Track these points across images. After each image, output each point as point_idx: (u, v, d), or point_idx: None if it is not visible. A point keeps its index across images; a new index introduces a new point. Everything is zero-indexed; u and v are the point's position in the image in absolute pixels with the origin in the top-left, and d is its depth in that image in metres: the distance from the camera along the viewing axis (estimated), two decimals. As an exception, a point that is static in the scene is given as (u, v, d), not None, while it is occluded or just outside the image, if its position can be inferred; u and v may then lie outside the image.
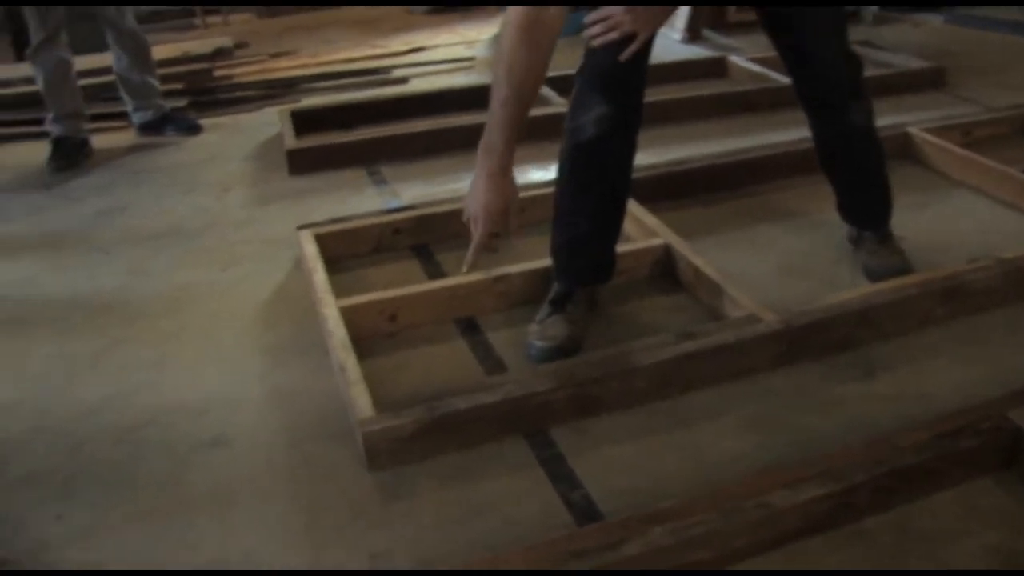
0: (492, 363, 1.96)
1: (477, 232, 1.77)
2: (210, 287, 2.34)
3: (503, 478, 1.64)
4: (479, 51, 4.55)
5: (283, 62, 4.38)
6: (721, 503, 1.46)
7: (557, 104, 3.30)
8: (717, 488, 1.51)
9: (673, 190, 2.68)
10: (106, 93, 3.76)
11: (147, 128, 3.58)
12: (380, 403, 1.70)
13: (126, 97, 3.56)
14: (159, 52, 3.76)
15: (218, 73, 4.19)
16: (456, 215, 2.37)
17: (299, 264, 2.41)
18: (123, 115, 3.67)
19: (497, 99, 1.70)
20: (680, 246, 2.24)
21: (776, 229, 2.51)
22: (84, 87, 3.45)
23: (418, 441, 1.65)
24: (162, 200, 2.92)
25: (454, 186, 2.84)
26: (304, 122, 3.35)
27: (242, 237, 2.62)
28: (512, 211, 1.77)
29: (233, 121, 3.71)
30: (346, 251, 2.41)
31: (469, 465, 1.66)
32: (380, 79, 4.12)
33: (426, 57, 4.49)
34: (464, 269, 1.85)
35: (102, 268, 2.48)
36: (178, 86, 3.95)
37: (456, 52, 4.54)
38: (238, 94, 3.98)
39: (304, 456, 1.71)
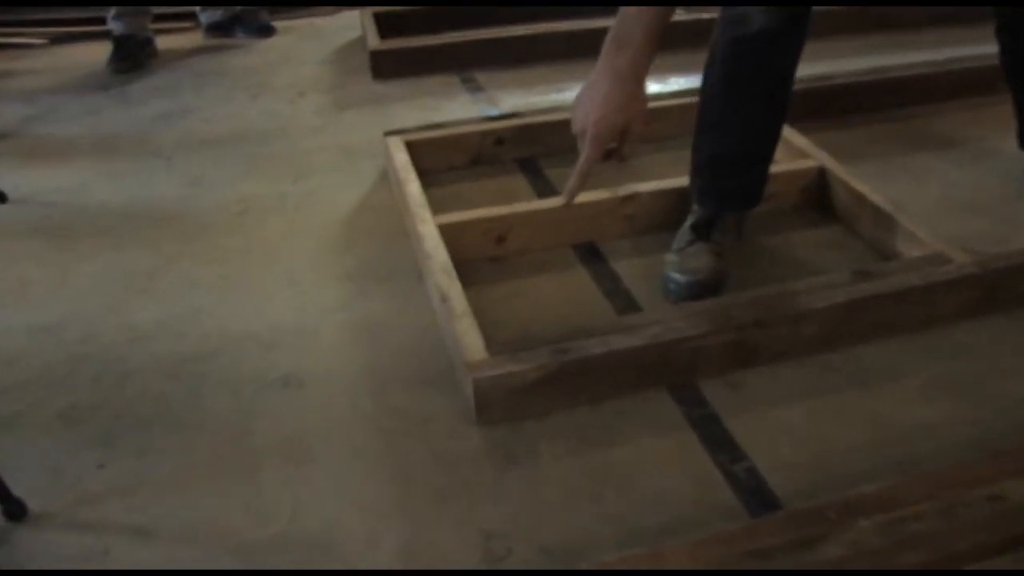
0: (621, 298, 1.62)
1: (585, 153, 1.35)
2: (280, 200, 2.02)
3: (645, 441, 1.31)
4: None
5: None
6: (938, 491, 1.12)
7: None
8: (928, 471, 1.17)
9: (814, 109, 2.28)
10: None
11: (215, 29, 3.26)
12: (490, 342, 1.36)
13: (194, -6, 3.23)
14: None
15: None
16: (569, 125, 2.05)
17: (384, 176, 2.09)
18: (190, 16, 3.35)
19: None
20: (838, 170, 1.87)
21: (937, 158, 2.13)
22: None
23: (541, 392, 1.32)
24: (228, 104, 2.60)
25: (557, 96, 2.48)
26: (388, 26, 2.99)
27: (317, 144, 2.29)
28: (634, 130, 1.36)
29: (308, 24, 3.37)
30: (440, 162, 2.07)
31: (603, 423, 1.34)
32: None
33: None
34: (564, 199, 1.44)
35: (160, 176, 2.17)
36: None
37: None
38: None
39: (394, 405, 1.39)
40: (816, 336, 1.46)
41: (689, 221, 1.69)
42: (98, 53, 2.99)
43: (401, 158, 1.95)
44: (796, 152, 1.97)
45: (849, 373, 1.44)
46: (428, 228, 1.65)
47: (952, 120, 2.32)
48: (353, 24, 3.22)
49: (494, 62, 2.76)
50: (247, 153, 2.26)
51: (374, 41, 2.78)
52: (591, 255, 1.74)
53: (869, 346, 1.50)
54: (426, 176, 1.95)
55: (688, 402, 1.37)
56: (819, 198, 1.91)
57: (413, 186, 1.81)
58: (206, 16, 3.25)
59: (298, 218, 1.94)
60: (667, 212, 1.79)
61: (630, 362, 1.35)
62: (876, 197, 1.76)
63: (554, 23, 2.93)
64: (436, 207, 1.75)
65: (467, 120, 2.20)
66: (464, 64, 2.76)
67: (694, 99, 1.70)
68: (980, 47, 1.84)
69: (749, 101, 1.60)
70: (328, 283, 1.70)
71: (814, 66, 2.46)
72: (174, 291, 1.70)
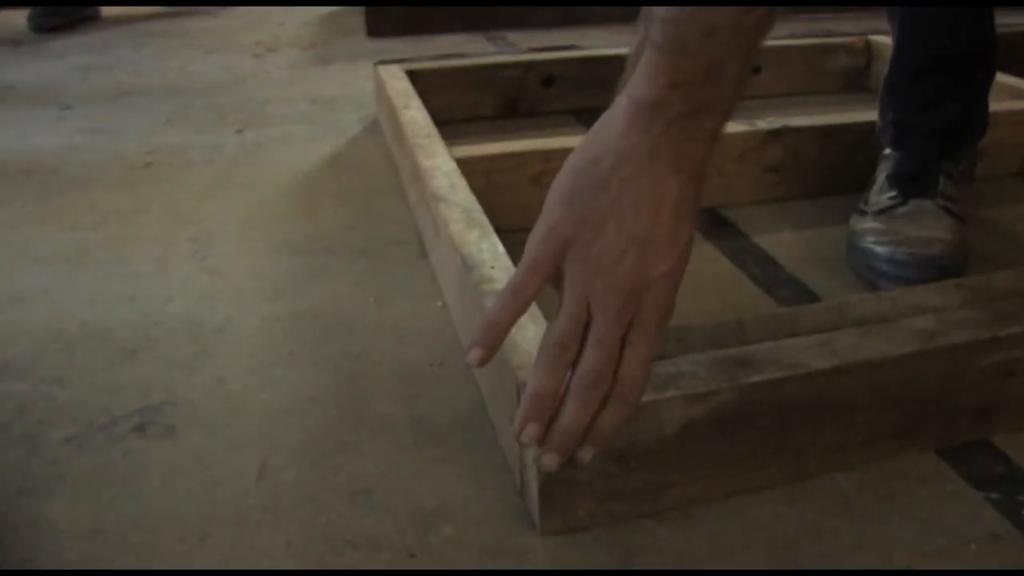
0: (789, 288, 0.89)
1: (598, 329, 0.51)
2: (211, 152, 1.31)
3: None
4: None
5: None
6: None
7: None
8: None
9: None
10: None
11: (178, -4, 2.59)
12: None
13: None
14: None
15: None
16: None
17: (373, 127, 1.38)
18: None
19: None
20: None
21: None
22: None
23: (694, 455, 0.58)
24: (170, 59, 1.91)
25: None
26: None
27: (282, 95, 1.59)
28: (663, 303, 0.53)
29: None
30: (460, 107, 1.36)
31: (829, 531, 0.59)
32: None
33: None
34: (539, 459, 0.53)
35: (48, 125, 1.47)
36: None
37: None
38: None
39: (361, 487, 0.65)
40: None
41: (887, 170, 0.97)
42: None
43: (399, 86, 1.23)
44: (1006, 90, 1.25)
45: None
46: (440, 162, 0.93)
47: None
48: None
49: (530, 21, 2.06)
50: (181, 104, 1.56)
51: (372, -11, 2.09)
52: (718, 225, 1.02)
53: None
54: (439, 128, 1.21)
55: (984, 478, 0.63)
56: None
57: (415, 112, 1.10)
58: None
59: (232, 173, 1.23)
60: (837, 165, 1.07)
61: (882, 391, 0.61)
62: None
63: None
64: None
65: (499, 51, 1.48)
66: (490, 21, 2.06)
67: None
68: None
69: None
70: (261, 257, 0.98)
71: None
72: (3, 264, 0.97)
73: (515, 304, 0.53)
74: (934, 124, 0.97)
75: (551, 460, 0.51)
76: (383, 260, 0.96)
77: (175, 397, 0.73)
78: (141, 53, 1.98)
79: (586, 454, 0.52)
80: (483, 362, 0.52)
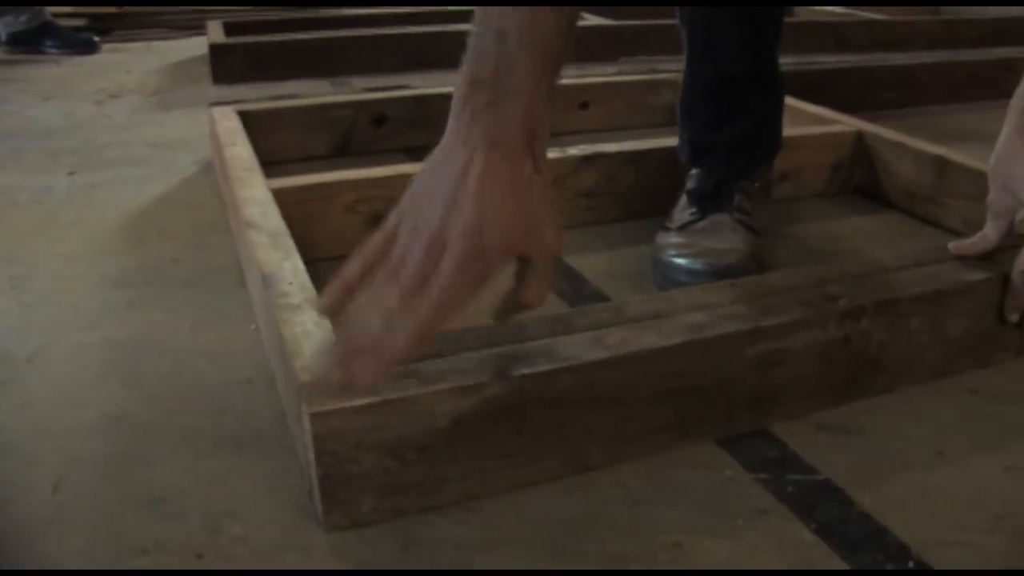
0: (592, 299, 0.94)
1: (438, 290, 0.58)
2: (40, 195, 1.31)
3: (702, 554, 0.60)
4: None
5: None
6: None
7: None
8: None
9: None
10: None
11: (18, 41, 2.55)
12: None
13: (-10, -1, 2.52)
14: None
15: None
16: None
17: (207, 169, 1.39)
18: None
19: None
20: (890, 135, 1.26)
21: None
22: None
23: (466, 450, 0.62)
24: (5, 104, 1.89)
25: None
26: (239, 31, 2.32)
27: (119, 139, 1.59)
28: (549, 253, 0.65)
29: (145, 47, 2.68)
30: (291, 147, 1.39)
31: (602, 522, 0.63)
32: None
33: None
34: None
35: None
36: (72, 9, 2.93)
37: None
38: (155, 18, 2.96)
39: (155, 495, 0.66)
40: (962, 338, 0.80)
41: (688, 188, 1.04)
42: None
43: (229, 126, 1.25)
44: (809, 118, 1.35)
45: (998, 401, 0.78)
46: (255, 192, 0.95)
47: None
48: (200, 45, 2.55)
49: (378, 66, 2.11)
50: (12, 148, 1.54)
51: (217, 36, 2.10)
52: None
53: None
54: (269, 169, 1.23)
55: (760, 463, 0.68)
56: (862, 176, 1.29)
57: (239, 148, 1.12)
58: (3, 25, 2.53)
59: (60, 213, 1.23)
60: (649, 189, 1.13)
61: (656, 382, 0.66)
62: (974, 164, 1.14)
63: (453, 24, 2.30)
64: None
65: (333, 91, 1.52)
66: (337, 67, 2.10)
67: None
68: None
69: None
70: (80, 291, 0.98)
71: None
72: None
73: (360, 260, 0.62)
74: (725, 142, 1.04)
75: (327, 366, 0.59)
76: (203, 289, 0.97)
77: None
78: (-29, 100, 1.95)
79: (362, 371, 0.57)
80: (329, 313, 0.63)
